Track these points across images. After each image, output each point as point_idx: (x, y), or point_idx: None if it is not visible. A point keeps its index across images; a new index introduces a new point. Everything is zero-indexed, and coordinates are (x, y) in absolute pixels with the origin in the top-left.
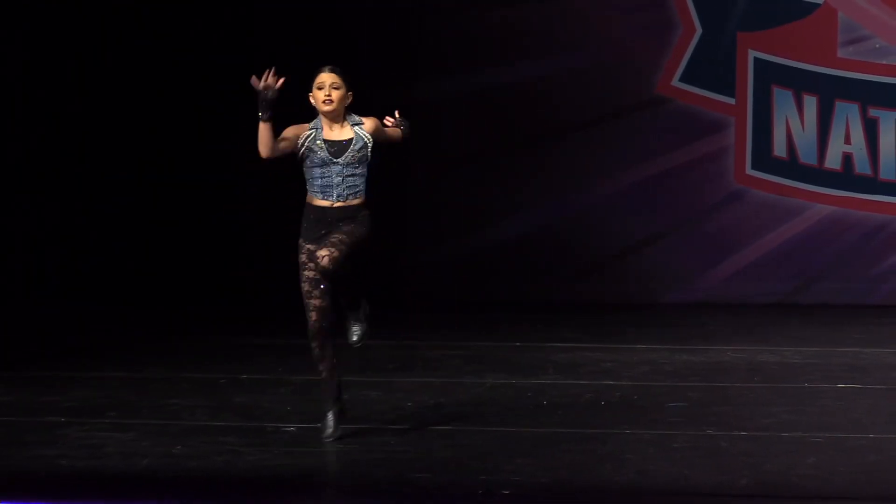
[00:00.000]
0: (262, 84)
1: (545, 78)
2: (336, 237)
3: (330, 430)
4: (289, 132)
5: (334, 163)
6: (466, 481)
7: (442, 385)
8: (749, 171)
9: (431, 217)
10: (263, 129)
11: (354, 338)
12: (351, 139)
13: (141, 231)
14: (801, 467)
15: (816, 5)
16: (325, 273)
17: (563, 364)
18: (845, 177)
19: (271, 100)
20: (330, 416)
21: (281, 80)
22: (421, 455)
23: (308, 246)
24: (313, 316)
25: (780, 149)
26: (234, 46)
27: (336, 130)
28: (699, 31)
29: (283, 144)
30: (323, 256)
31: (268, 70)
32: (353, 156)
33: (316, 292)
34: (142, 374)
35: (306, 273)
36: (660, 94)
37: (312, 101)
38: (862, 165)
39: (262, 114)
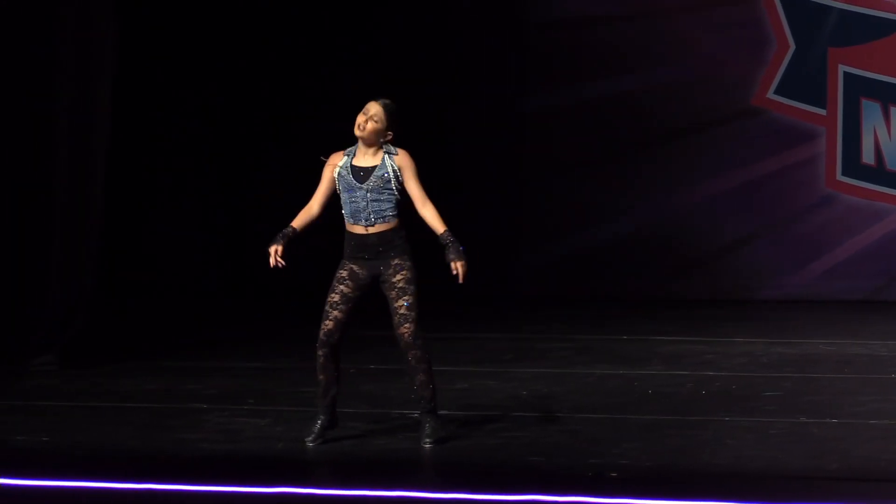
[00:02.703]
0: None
1: (648, 90)
2: (401, 302)
3: (312, 437)
4: (325, 172)
5: (358, 188)
6: (577, 465)
7: (554, 375)
8: (839, 177)
9: (543, 218)
10: (303, 228)
11: (427, 444)
12: (376, 166)
13: (271, 229)
14: (889, 452)
15: None
16: (407, 346)
17: (667, 356)
18: None
19: (283, 248)
20: (318, 423)
21: (276, 252)
22: (535, 440)
23: (351, 265)
24: (329, 325)
25: (868, 156)
26: (346, 57)
27: (367, 157)
28: (792, 47)
29: (321, 189)
30: (404, 333)
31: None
32: (375, 182)
33: (343, 307)
34: (276, 363)
35: (342, 287)
36: (756, 105)
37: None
38: None
39: (293, 239)
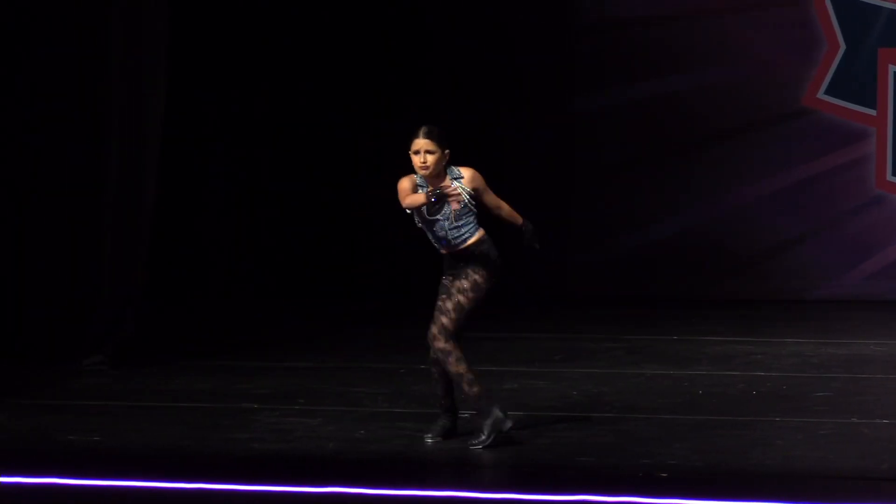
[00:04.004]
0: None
1: (698, 91)
2: (441, 302)
3: (431, 435)
4: (408, 186)
5: (436, 220)
6: (627, 465)
7: (604, 375)
8: (889, 177)
9: (593, 219)
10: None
11: (477, 446)
12: None
13: (321, 232)
14: None
15: None
16: (430, 343)
17: (717, 356)
18: None
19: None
20: (439, 426)
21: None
22: (584, 440)
23: (443, 279)
24: (433, 329)
25: None
26: (405, 63)
27: (437, 186)
28: (843, 47)
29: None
30: (430, 329)
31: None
32: (454, 211)
33: (443, 318)
34: (326, 363)
35: (438, 301)
36: (806, 105)
37: (412, 162)
38: None
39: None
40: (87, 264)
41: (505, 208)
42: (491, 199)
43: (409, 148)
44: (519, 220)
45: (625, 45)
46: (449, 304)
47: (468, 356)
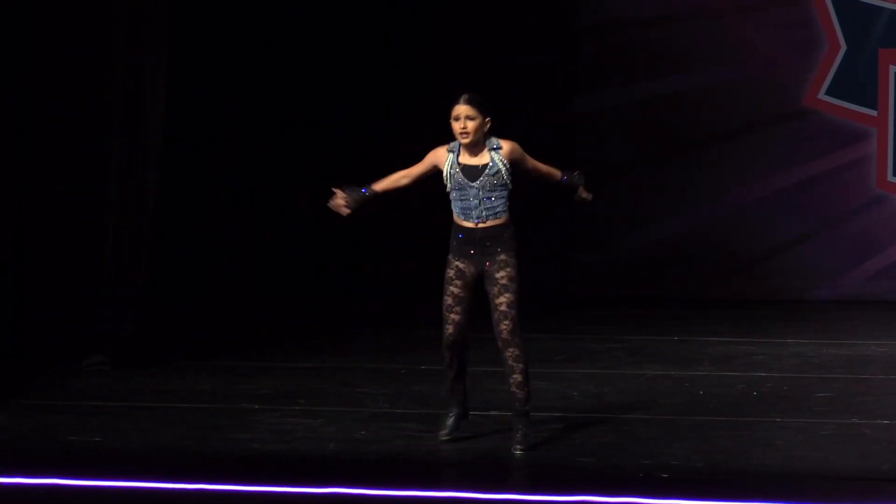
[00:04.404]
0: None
1: (699, 91)
2: (502, 299)
3: (446, 431)
4: (428, 160)
5: (470, 186)
6: (628, 465)
7: (604, 375)
8: (890, 177)
9: (594, 220)
10: (380, 193)
11: (517, 451)
12: (487, 164)
13: (321, 232)
14: None
15: None
16: (505, 344)
17: (718, 356)
18: None
19: (353, 202)
20: (451, 418)
21: (340, 199)
22: (585, 440)
23: (457, 263)
24: (450, 329)
25: None
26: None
27: (474, 155)
28: (844, 47)
29: (420, 171)
30: (503, 331)
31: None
32: (487, 180)
33: (457, 308)
34: (327, 363)
35: (451, 289)
36: (807, 106)
37: (452, 129)
38: None
39: (365, 202)
40: (87, 264)
41: (543, 167)
42: (531, 164)
43: (448, 116)
44: (558, 174)
45: (625, 45)
46: (504, 299)
47: (470, 357)
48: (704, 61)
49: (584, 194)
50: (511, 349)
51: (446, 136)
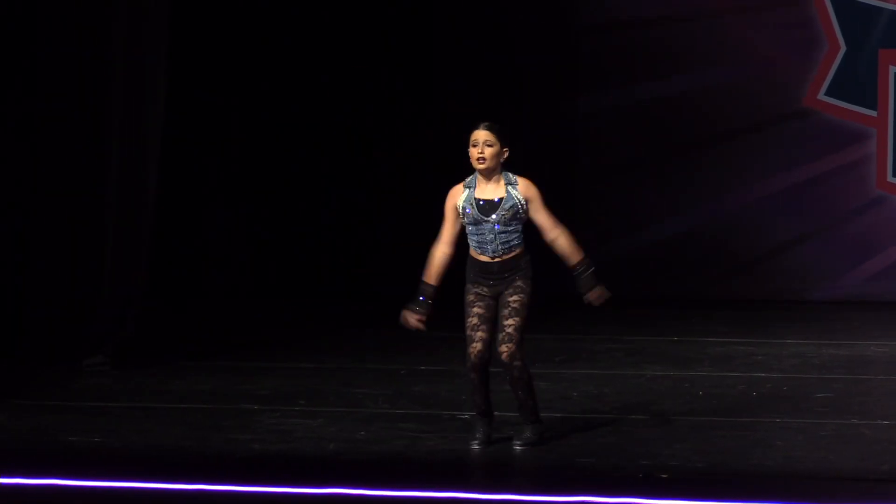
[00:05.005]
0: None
1: (700, 91)
2: (511, 322)
3: (478, 441)
4: (449, 211)
5: (485, 221)
6: (627, 466)
7: (604, 376)
8: (890, 178)
9: (595, 220)
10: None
11: (517, 446)
12: (502, 198)
13: (322, 232)
14: None
15: None
16: (505, 366)
17: (718, 357)
18: None
19: (424, 311)
20: (481, 430)
21: (415, 324)
22: (585, 441)
23: (476, 290)
24: (478, 346)
25: None
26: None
27: (489, 188)
28: (843, 48)
29: (450, 231)
30: (503, 353)
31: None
32: (503, 215)
33: (483, 326)
34: (327, 364)
35: (474, 310)
36: (807, 106)
37: (469, 155)
38: None
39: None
40: (87, 264)
41: (564, 237)
42: (543, 219)
43: (467, 143)
44: (575, 258)
45: (625, 45)
46: (512, 322)
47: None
48: (704, 61)
49: (593, 296)
50: (511, 371)
51: (446, 137)
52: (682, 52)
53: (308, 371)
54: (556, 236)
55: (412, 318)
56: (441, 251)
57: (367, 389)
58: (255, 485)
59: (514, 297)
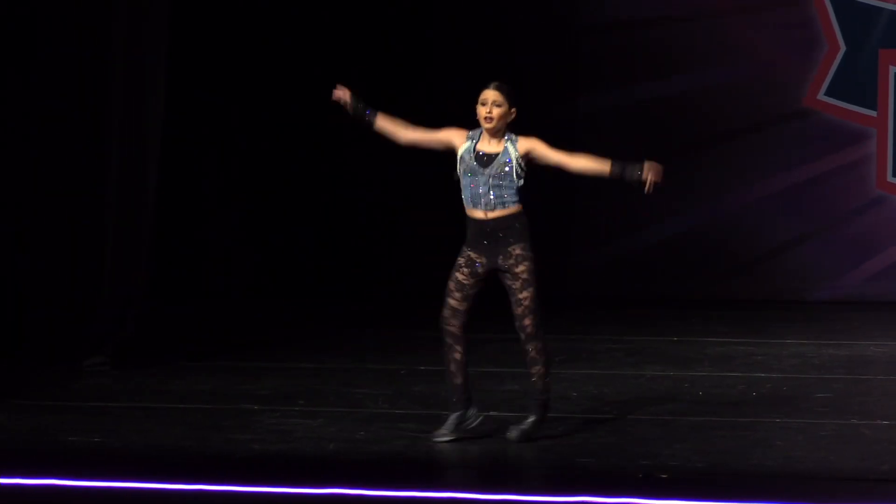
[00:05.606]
0: (336, 99)
1: (699, 91)
2: (526, 294)
3: (444, 433)
4: (444, 134)
5: (481, 172)
6: (627, 466)
7: (604, 376)
8: (890, 178)
9: (595, 219)
10: (378, 129)
11: (513, 434)
12: (499, 153)
13: (322, 232)
14: None
15: None
16: (529, 339)
17: (717, 357)
18: None
19: (353, 107)
20: (452, 418)
21: (345, 92)
22: (585, 441)
23: (469, 252)
24: (445, 313)
25: None
26: (406, 63)
27: (491, 143)
28: (843, 48)
29: (428, 138)
30: (527, 326)
31: (335, 90)
32: (498, 169)
33: (457, 294)
34: (327, 364)
35: (456, 274)
36: (806, 106)
37: (477, 113)
38: None
39: (362, 121)
40: (87, 264)
41: (583, 159)
42: (556, 155)
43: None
44: (606, 168)
45: (625, 45)
46: (527, 293)
47: (471, 357)
48: (704, 61)
49: (648, 174)
50: (535, 342)
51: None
52: (682, 52)
53: (308, 371)
54: (578, 161)
55: (344, 94)
56: (409, 128)
57: (367, 389)
58: (255, 485)
59: (521, 268)
